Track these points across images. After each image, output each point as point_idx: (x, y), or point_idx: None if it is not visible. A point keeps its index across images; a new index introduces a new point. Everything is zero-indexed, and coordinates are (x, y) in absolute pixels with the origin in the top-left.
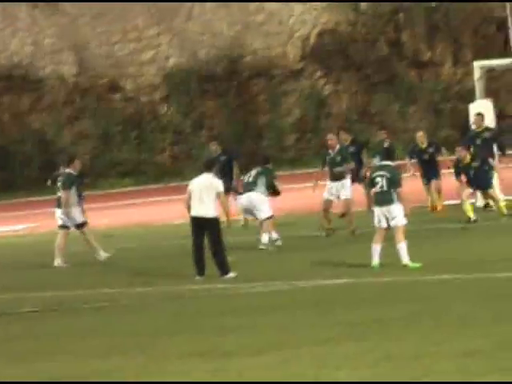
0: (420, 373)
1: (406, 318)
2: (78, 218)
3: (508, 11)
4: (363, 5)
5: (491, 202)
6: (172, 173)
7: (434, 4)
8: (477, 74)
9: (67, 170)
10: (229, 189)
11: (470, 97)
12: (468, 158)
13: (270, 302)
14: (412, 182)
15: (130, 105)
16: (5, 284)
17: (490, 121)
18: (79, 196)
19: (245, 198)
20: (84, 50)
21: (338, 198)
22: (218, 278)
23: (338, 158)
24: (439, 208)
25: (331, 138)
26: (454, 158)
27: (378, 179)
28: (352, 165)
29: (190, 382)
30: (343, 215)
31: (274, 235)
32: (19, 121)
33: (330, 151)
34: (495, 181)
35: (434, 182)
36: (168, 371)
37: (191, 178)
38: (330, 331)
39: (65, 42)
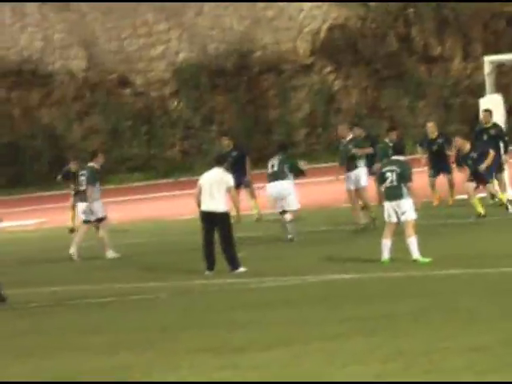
0: (429, 368)
1: (415, 314)
2: (100, 212)
3: None
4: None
5: (497, 196)
6: (182, 168)
7: None
8: (487, 68)
9: (90, 164)
10: (240, 184)
11: (479, 91)
12: (468, 147)
13: (279, 297)
14: (422, 177)
15: (140, 100)
16: (14, 279)
17: (500, 116)
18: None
19: (274, 187)
20: (94, 45)
21: (358, 185)
22: (227, 272)
23: (351, 146)
24: (451, 202)
25: (342, 128)
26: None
27: (388, 174)
28: (369, 149)
29: (194, 382)
30: (364, 207)
31: (290, 228)
32: (29, 116)
33: (343, 140)
34: (506, 177)
35: (446, 177)
36: (177, 367)
37: (201, 172)
38: (339, 326)
39: (74, 37)
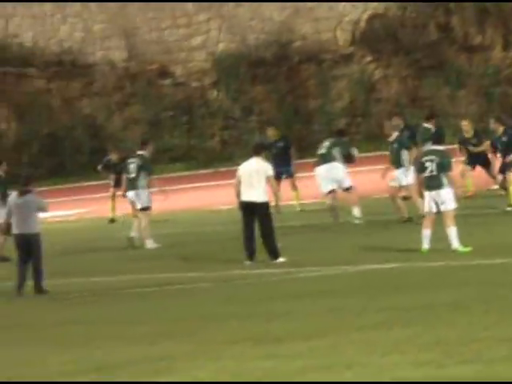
0: (468, 358)
1: (454, 303)
2: (146, 201)
3: None
4: None
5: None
6: (222, 158)
7: None
8: None
9: (141, 153)
10: (281, 174)
11: None
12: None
13: (319, 287)
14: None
15: (180, 90)
16: (54, 269)
17: None
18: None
19: (324, 169)
20: (134, 35)
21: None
22: (267, 262)
23: (395, 146)
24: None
25: (386, 126)
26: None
27: (428, 164)
28: (412, 152)
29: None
30: (405, 198)
31: (356, 211)
32: (69, 107)
33: (389, 139)
34: None
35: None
36: (218, 357)
37: (241, 163)
38: (378, 316)
39: (115, 27)
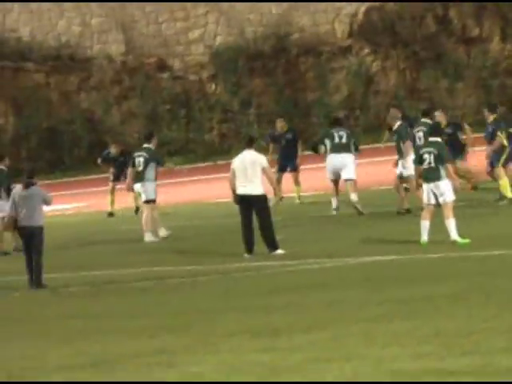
0: (468, 350)
1: (454, 295)
2: (152, 193)
3: None
4: None
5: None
6: (220, 151)
7: None
8: None
9: (147, 146)
10: (286, 167)
11: None
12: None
13: (318, 279)
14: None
15: (178, 84)
16: (53, 263)
17: None
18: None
19: (339, 159)
20: (131, 29)
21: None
22: (266, 255)
23: (395, 137)
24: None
25: (388, 118)
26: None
27: (426, 156)
28: (407, 144)
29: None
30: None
31: (354, 198)
32: (67, 101)
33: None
34: None
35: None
36: (216, 350)
37: None
38: (378, 308)
39: (112, 21)
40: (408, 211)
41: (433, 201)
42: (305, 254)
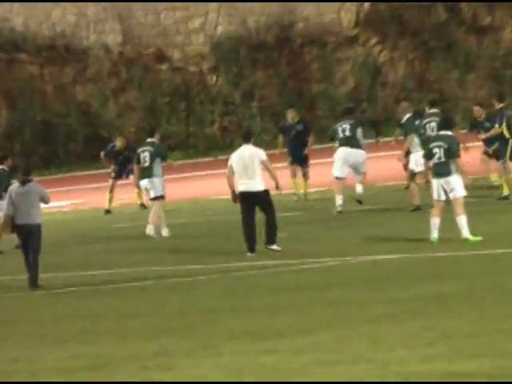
0: (479, 352)
1: (463, 295)
2: (160, 190)
3: None
4: None
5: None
6: (222, 146)
7: None
8: None
9: (152, 140)
10: (296, 159)
11: None
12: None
13: (322, 278)
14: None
15: (178, 75)
16: (50, 262)
17: None
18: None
19: (347, 152)
20: (129, 18)
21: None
22: (268, 254)
23: (402, 131)
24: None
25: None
26: None
27: (436, 150)
28: (410, 138)
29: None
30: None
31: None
32: (63, 93)
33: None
34: None
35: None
36: (217, 353)
37: None
38: (385, 308)
39: (109, 10)
40: (418, 208)
41: (443, 197)
42: (308, 253)
